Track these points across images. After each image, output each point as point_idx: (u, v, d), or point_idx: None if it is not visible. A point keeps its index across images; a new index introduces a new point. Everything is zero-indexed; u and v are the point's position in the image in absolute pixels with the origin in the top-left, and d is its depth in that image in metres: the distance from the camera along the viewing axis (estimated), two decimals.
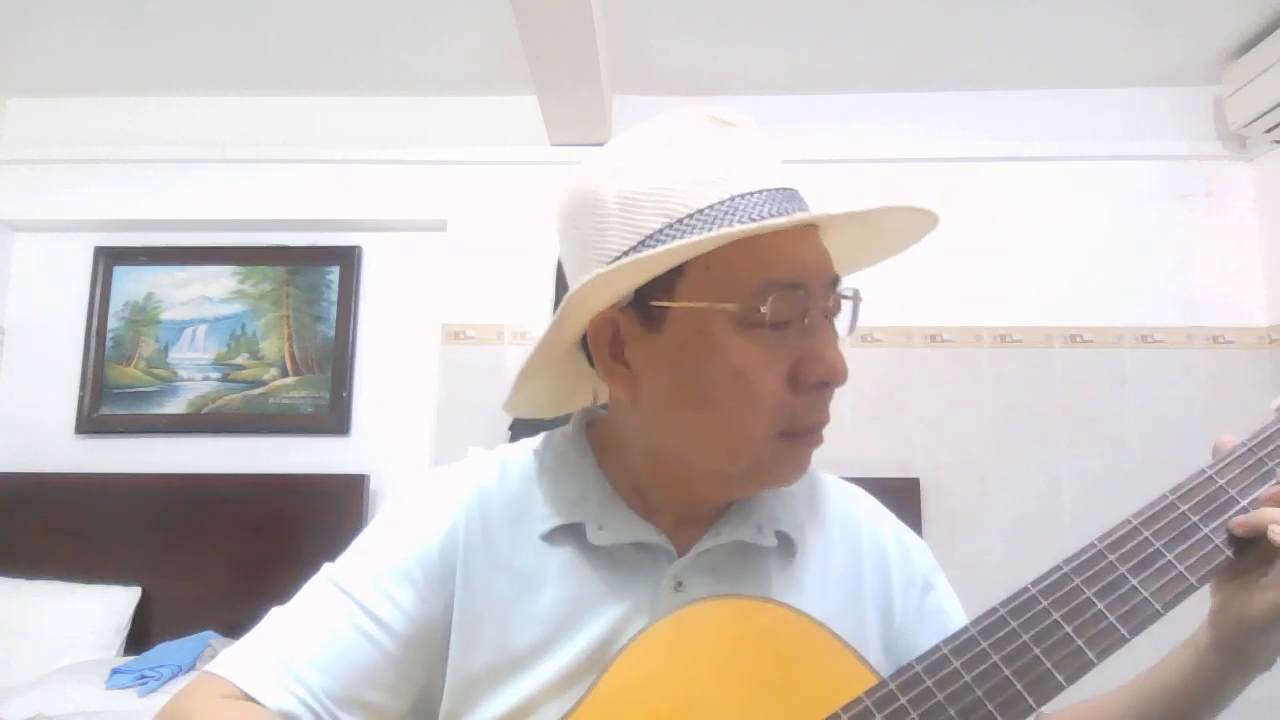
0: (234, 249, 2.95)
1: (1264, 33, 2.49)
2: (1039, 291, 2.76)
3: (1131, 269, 2.76)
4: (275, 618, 0.68)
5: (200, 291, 2.94)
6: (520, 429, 2.66)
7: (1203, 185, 2.79)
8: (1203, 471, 0.62)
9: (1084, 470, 2.66)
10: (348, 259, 2.94)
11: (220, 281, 2.94)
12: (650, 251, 0.61)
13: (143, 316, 2.93)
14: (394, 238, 2.97)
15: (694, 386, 0.65)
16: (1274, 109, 2.47)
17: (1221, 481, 0.61)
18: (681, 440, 0.67)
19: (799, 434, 0.66)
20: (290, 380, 2.89)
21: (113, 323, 2.92)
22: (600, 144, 2.72)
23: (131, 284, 2.94)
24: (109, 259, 2.95)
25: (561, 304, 0.65)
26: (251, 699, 0.62)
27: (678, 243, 0.61)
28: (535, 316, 2.79)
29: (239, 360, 2.90)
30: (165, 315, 2.93)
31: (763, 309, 0.61)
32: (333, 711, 0.64)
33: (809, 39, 2.59)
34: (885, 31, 2.54)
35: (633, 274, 0.63)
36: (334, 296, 2.92)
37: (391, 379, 2.90)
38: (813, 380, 0.64)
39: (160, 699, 2.02)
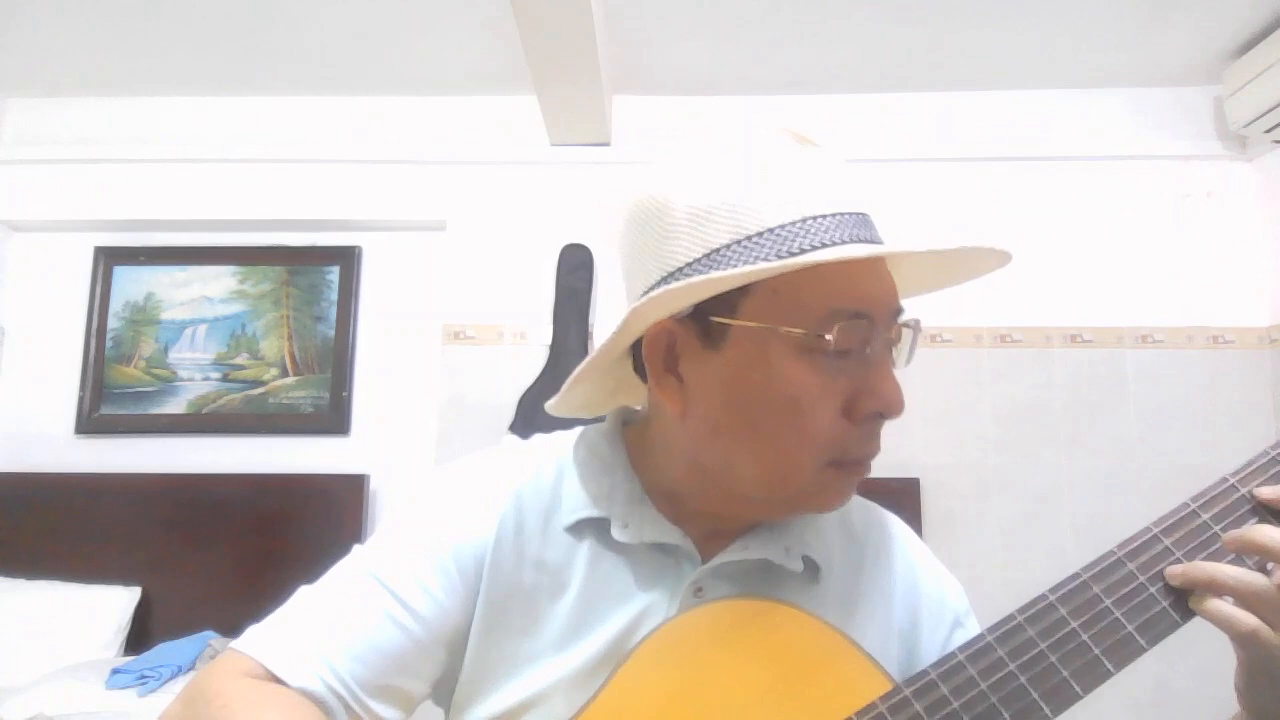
0: (234, 249, 2.94)
1: (1264, 33, 2.49)
2: (1039, 291, 2.76)
3: (1131, 269, 2.76)
4: (305, 597, 0.68)
5: (200, 291, 2.93)
6: (520, 430, 2.66)
7: (1203, 185, 2.80)
8: (1224, 480, 0.60)
9: (1084, 470, 2.65)
10: (348, 259, 2.93)
11: (220, 281, 2.93)
12: (724, 273, 0.59)
13: (143, 316, 2.92)
14: (394, 238, 2.96)
15: (747, 410, 0.64)
16: (1274, 109, 2.47)
17: (1243, 491, 0.59)
18: (727, 461, 0.66)
19: (848, 465, 0.65)
20: (290, 380, 2.88)
21: (113, 323, 2.91)
22: (601, 144, 2.71)
23: (131, 284, 2.93)
24: (109, 259, 2.94)
25: (626, 314, 0.64)
26: (278, 679, 0.62)
27: (757, 265, 0.59)
28: (535, 316, 2.79)
29: (239, 360, 2.89)
30: (165, 315, 2.92)
31: (828, 337, 0.60)
32: (361, 699, 0.64)
33: (809, 39, 2.58)
34: (885, 32, 2.53)
35: (702, 291, 0.62)
36: (334, 296, 2.91)
37: (391, 379, 2.90)
38: (869, 413, 0.63)
39: (160, 699, 2.02)
